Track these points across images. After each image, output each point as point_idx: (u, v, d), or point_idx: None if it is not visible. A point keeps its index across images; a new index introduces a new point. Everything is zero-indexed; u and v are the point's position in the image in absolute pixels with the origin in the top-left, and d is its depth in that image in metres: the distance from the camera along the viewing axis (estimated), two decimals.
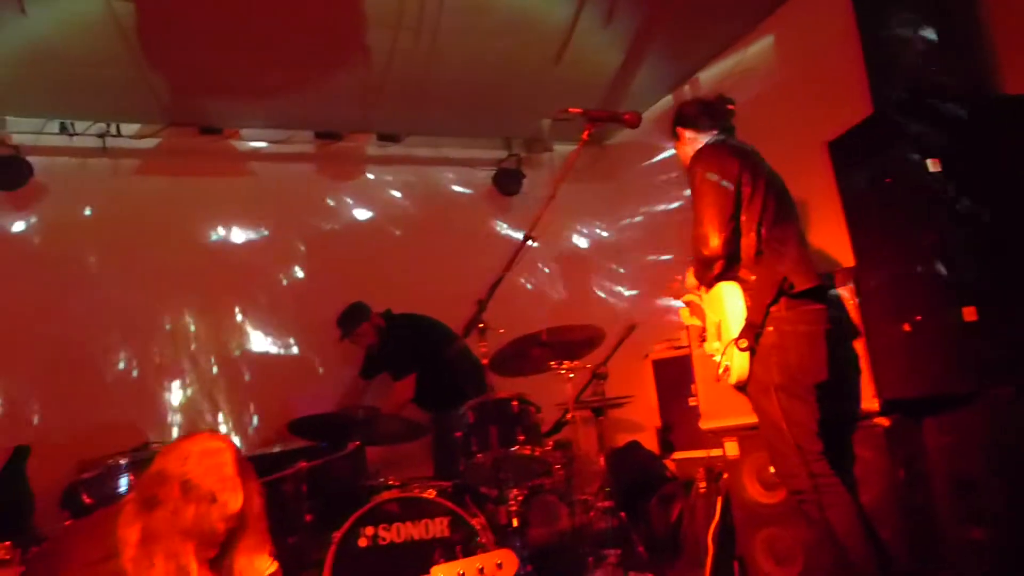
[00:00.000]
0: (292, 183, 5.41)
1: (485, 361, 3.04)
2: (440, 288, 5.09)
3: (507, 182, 5.83)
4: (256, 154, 5.34)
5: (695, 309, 3.08)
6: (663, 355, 4.68)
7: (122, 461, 3.19)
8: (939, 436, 2.74)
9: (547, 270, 5.83)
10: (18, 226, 4.71)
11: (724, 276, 2.75)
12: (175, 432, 4.55)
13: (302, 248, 5.31)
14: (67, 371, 4.59)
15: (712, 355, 2.88)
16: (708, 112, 2.97)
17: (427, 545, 3.02)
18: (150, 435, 4.22)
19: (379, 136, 5.62)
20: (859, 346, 2.93)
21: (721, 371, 2.77)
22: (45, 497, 3.69)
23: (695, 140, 2.91)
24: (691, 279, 3.00)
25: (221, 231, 5.17)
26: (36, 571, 1.77)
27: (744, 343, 2.61)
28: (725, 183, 2.65)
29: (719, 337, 2.80)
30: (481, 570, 2.13)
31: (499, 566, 2.15)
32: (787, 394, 2.59)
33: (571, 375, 3.40)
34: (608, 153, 6.15)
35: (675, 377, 4.41)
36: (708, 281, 2.82)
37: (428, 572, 2.79)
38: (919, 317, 2.68)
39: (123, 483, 3.07)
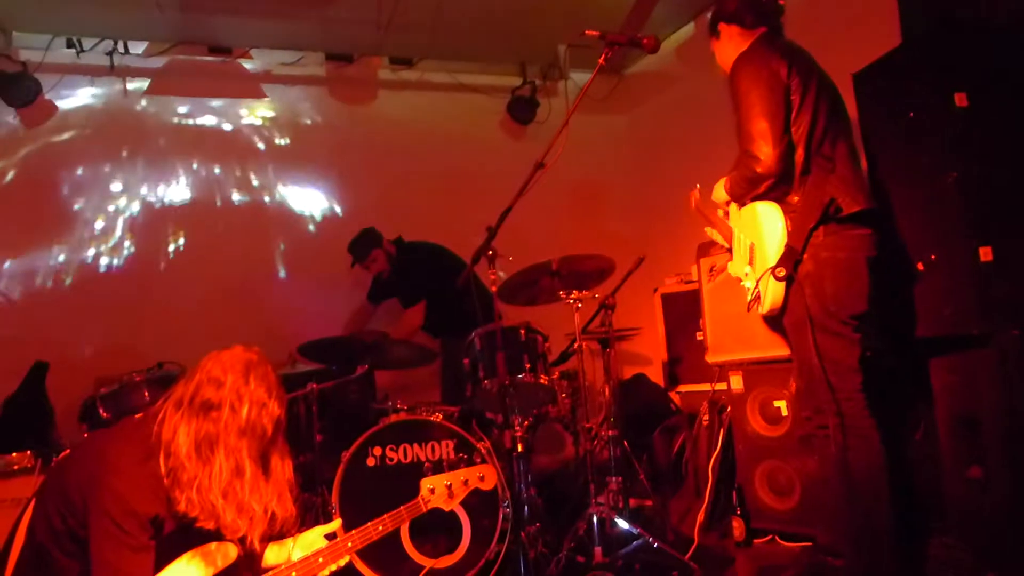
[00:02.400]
0: (302, 106, 5.33)
1: (494, 289, 3.03)
2: (451, 215, 5.08)
3: (521, 110, 5.73)
4: (266, 75, 5.25)
5: (720, 224, 2.88)
6: (672, 289, 4.68)
7: (137, 378, 3.26)
8: (945, 375, 2.74)
9: (559, 199, 5.78)
10: (29, 142, 4.69)
11: (764, 196, 2.52)
12: (186, 354, 4.63)
13: (312, 173, 5.28)
14: (82, 291, 4.66)
15: (740, 279, 2.71)
16: (754, 7, 2.62)
17: (434, 466, 3.10)
18: (160, 356, 4.30)
19: (391, 60, 5.50)
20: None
21: (751, 298, 2.58)
22: (63, 411, 3.80)
23: (738, 38, 2.61)
24: (719, 192, 2.74)
25: (229, 152, 5.13)
26: (69, 474, 1.84)
27: (782, 272, 2.39)
28: (775, 90, 2.37)
29: (751, 261, 2.60)
30: (465, 481, 2.29)
31: (481, 478, 2.32)
32: (821, 328, 2.41)
33: (579, 305, 3.39)
34: (626, 82, 6.01)
35: (683, 311, 4.42)
36: (746, 200, 2.59)
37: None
38: (934, 256, 2.65)
39: (138, 398, 3.15)
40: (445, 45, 5.34)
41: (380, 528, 2.13)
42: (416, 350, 3.97)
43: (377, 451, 3.06)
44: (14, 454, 2.92)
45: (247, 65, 5.21)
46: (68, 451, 2.22)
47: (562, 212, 5.80)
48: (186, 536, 1.82)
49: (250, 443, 1.82)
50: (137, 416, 1.97)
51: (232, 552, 1.88)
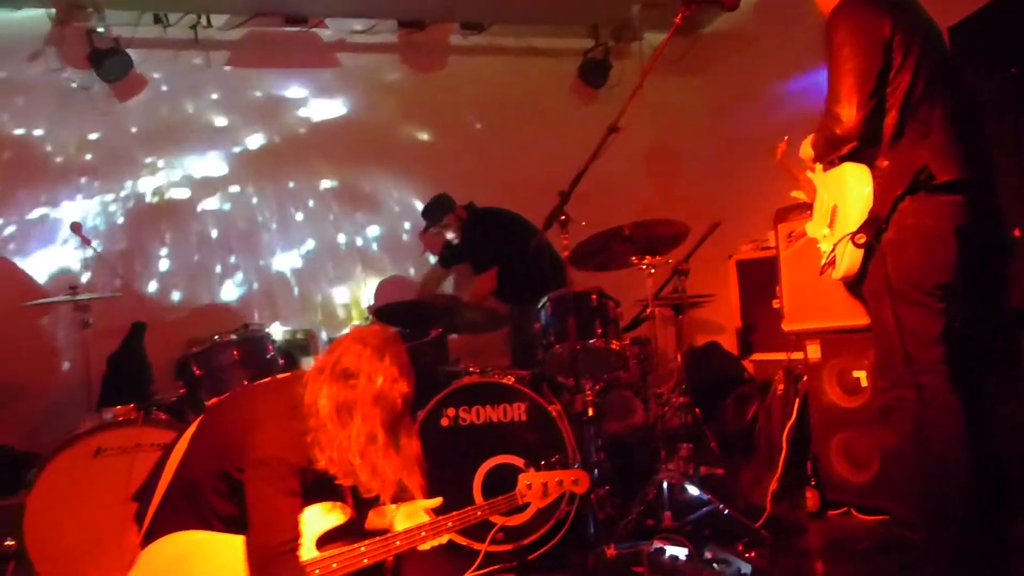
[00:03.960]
0: (376, 73, 5.41)
1: (566, 254, 3.03)
2: (522, 181, 5.09)
3: (593, 73, 5.64)
4: (340, 44, 5.34)
5: (805, 183, 2.77)
6: (748, 256, 4.58)
7: (226, 339, 3.42)
8: None
9: (632, 163, 5.69)
10: (126, 114, 4.92)
11: (852, 157, 2.39)
12: (267, 317, 4.85)
13: (384, 139, 5.36)
14: (176, 255, 4.92)
15: (817, 241, 2.61)
16: None
17: (505, 427, 3.16)
18: (245, 320, 4.51)
19: (462, 25, 5.50)
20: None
21: (825, 261, 2.48)
22: (160, 368, 4.05)
23: None
24: (806, 149, 2.60)
25: (309, 121, 5.26)
26: (226, 419, 2.05)
27: (862, 239, 2.28)
28: (870, 48, 2.22)
29: (831, 224, 2.49)
30: (560, 482, 2.42)
31: (575, 482, 2.44)
32: (902, 299, 2.30)
33: (652, 271, 3.36)
34: (702, 43, 5.82)
35: (759, 279, 4.33)
36: (830, 160, 2.48)
37: (503, 453, 3.01)
38: None
39: (227, 357, 3.31)
40: (516, 9, 5.30)
41: (478, 514, 2.26)
42: (487, 314, 4.03)
43: (451, 412, 3.14)
44: (118, 407, 3.13)
45: (322, 34, 5.31)
46: (217, 399, 2.42)
47: (635, 176, 5.72)
48: (308, 492, 1.96)
49: (382, 413, 1.96)
50: (280, 376, 2.18)
51: (346, 514, 2.05)
